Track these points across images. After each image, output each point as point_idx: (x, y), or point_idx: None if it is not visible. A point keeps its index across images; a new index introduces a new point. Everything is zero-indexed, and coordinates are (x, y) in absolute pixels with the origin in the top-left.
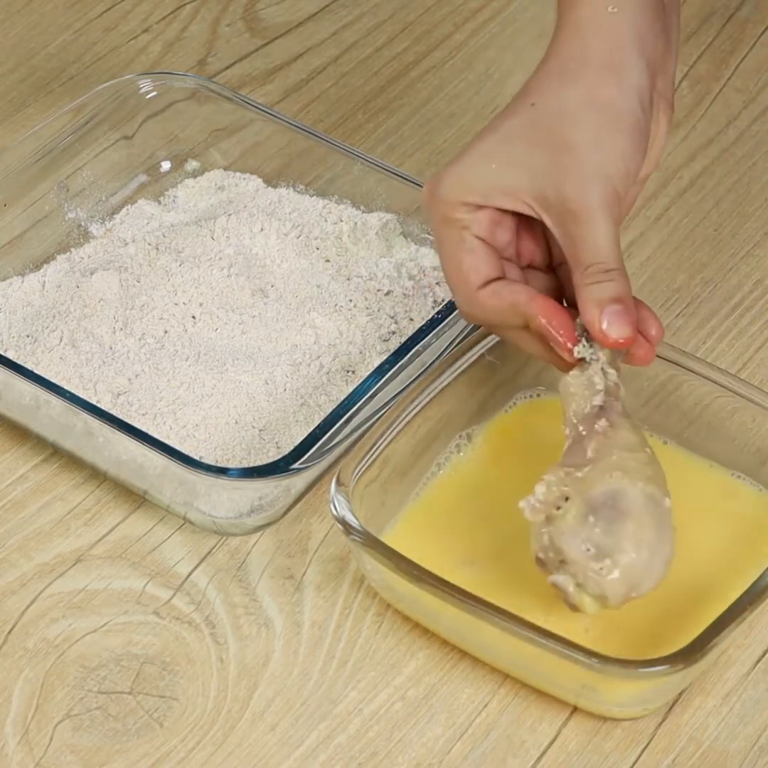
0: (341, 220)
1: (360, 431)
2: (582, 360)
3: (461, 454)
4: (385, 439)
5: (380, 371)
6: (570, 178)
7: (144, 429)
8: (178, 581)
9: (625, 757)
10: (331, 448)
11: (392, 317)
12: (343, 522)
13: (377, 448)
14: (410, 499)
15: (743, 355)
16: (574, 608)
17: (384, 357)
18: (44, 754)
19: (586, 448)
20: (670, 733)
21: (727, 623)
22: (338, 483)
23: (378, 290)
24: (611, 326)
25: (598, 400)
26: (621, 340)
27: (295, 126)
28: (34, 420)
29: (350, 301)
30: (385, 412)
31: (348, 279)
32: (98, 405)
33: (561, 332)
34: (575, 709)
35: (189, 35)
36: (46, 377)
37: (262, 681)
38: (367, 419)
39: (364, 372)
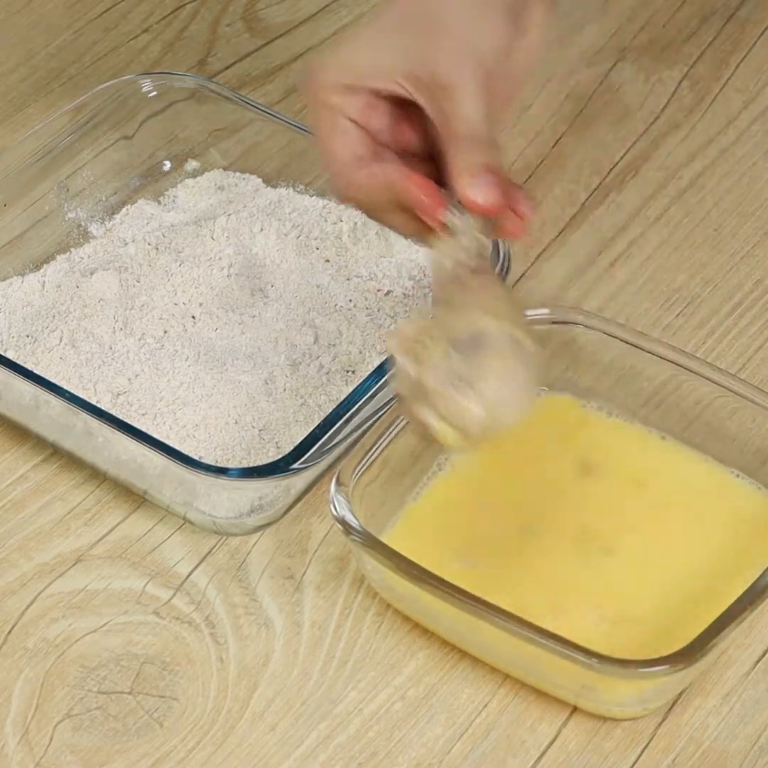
0: (341, 220)
1: (360, 431)
2: (450, 229)
3: (461, 454)
4: (385, 439)
5: (380, 371)
6: (440, 54)
7: (144, 429)
8: (178, 581)
9: (625, 757)
10: (331, 448)
11: (392, 317)
12: (343, 522)
13: (377, 448)
14: (410, 499)
15: (743, 355)
16: (435, 442)
17: (384, 357)
18: (44, 754)
19: (454, 300)
20: (670, 733)
21: (727, 623)
22: (338, 483)
23: (378, 290)
24: (479, 191)
25: (469, 261)
26: (488, 206)
27: (295, 126)
28: (34, 420)
29: (350, 301)
30: (385, 412)
31: (348, 279)
32: (98, 405)
33: (429, 199)
34: (575, 709)
35: (189, 35)
36: (46, 377)
37: (262, 681)
38: (367, 419)
39: (364, 372)
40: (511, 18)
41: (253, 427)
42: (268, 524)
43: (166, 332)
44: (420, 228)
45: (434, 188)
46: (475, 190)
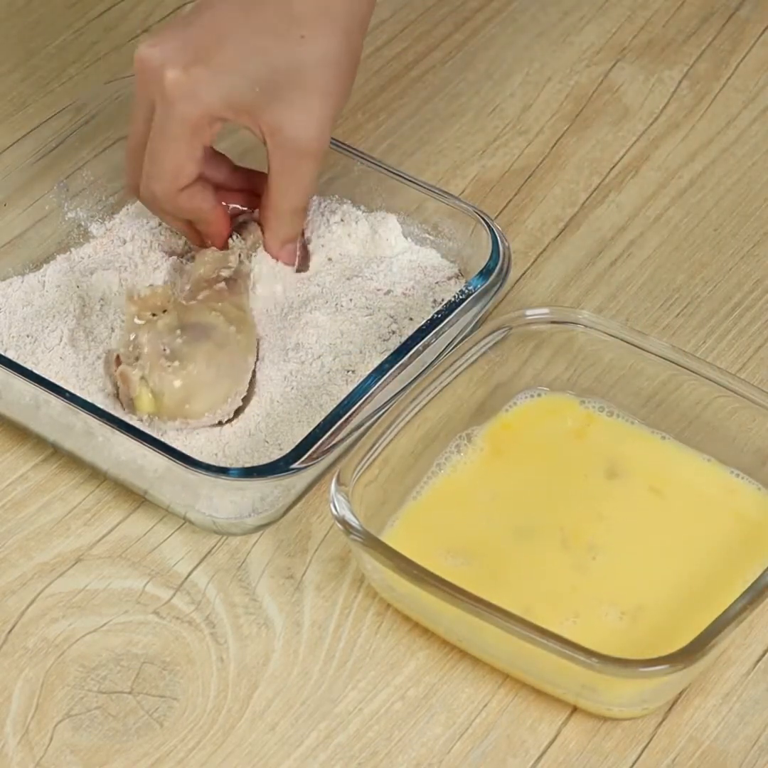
0: (341, 220)
1: (360, 431)
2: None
3: (461, 454)
4: (385, 439)
5: (380, 371)
6: (300, 115)
7: (144, 429)
8: (178, 581)
9: (625, 757)
10: (331, 448)
11: (392, 317)
12: (343, 522)
13: (377, 448)
14: (410, 499)
15: (743, 355)
16: (130, 405)
17: (384, 357)
18: (44, 753)
19: (198, 296)
20: (670, 733)
21: (727, 623)
22: (338, 483)
23: (378, 290)
24: (286, 257)
25: (226, 273)
26: (291, 264)
27: None
28: (34, 420)
29: (350, 300)
30: (385, 412)
31: (348, 279)
32: (98, 405)
33: (222, 234)
34: (575, 709)
35: None
36: (46, 377)
37: (262, 681)
38: (367, 419)
39: (364, 372)
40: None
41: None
42: (268, 524)
43: None
44: (200, 241)
45: (228, 224)
46: (284, 256)
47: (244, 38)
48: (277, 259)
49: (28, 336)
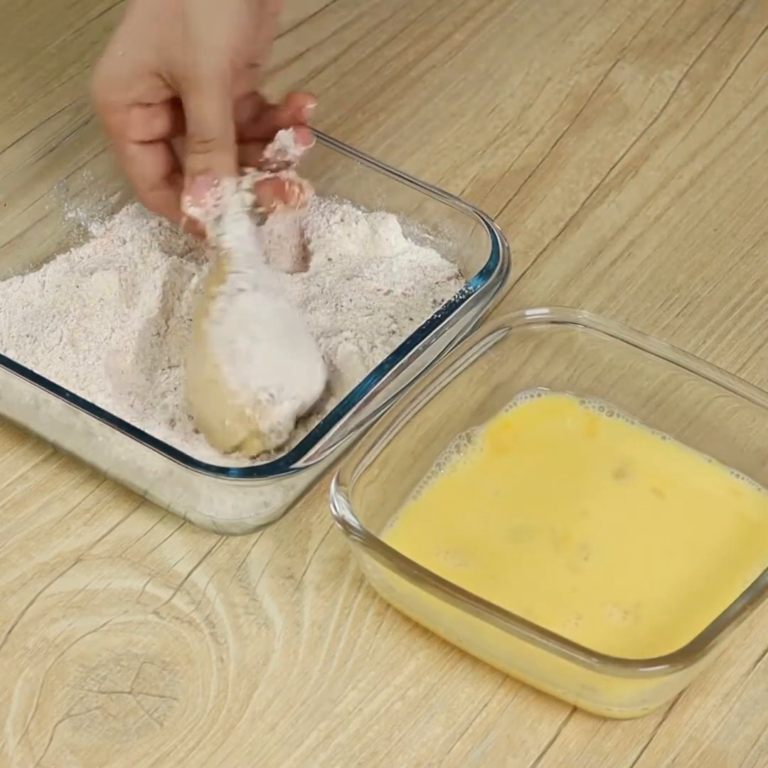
0: (341, 220)
1: (360, 431)
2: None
3: (461, 454)
4: (385, 439)
5: (380, 371)
6: (186, 49)
7: (144, 429)
8: (178, 581)
9: (625, 757)
10: (331, 448)
11: (392, 317)
12: (343, 522)
13: (377, 448)
14: (410, 499)
15: (743, 355)
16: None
17: (384, 357)
18: (44, 753)
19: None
20: (670, 733)
21: (726, 623)
22: (338, 483)
23: (378, 290)
24: (193, 196)
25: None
26: (197, 207)
27: None
28: (34, 420)
29: (350, 301)
30: (385, 412)
31: (348, 279)
32: (98, 405)
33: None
34: (575, 709)
35: None
36: (46, 377)
37: (262, 681)
38: (367, 419)
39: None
40: (251, 8)
41: None
42: (268, 524)
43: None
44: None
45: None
46: (191, 196)
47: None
48: (187, 194)
49: (28, 336)
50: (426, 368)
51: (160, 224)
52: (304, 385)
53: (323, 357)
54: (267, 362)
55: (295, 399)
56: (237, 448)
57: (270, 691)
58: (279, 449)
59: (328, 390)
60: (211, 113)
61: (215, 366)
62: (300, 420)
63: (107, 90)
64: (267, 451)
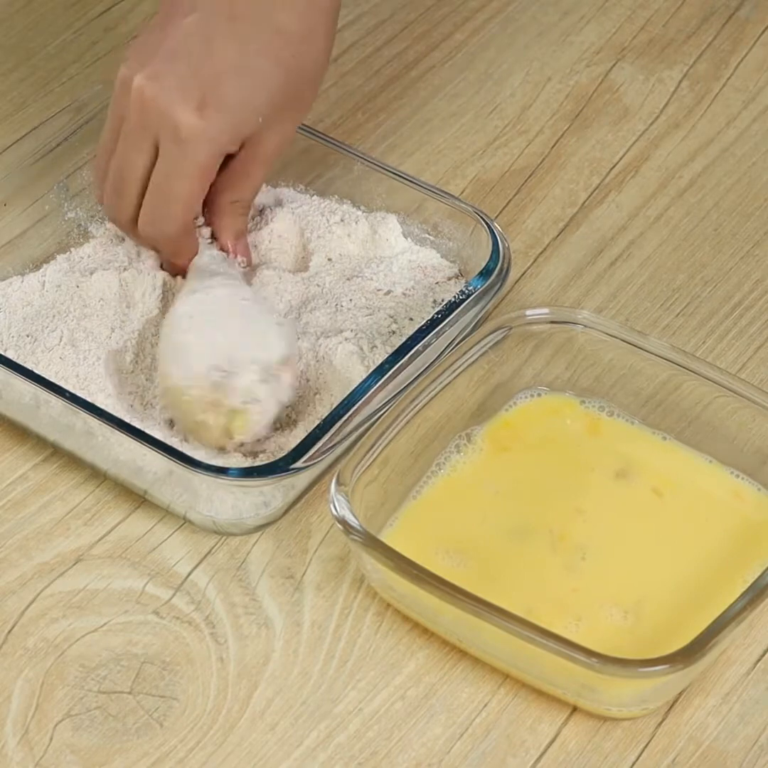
0: (341, 220)
1: (360, 431)
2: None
3: (461, 454)
4: (385, 439)
5: (380, 371)
6: (282, 133)
7: (144, 429)
8: (178, 581)
9: (625, 757)
10: (331, 448)
11: (392, 317)
12: (343, 522)
13: (377, 448)
14: (410, 499)
15: (743, 355)
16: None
17: (384, 357)
18: (44, 753)
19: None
20: (670, 733)
21: (726, 623)
22: (338, 483)
23: (378, 290)
24: (242, 252)
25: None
26: (246, 259)
27: None
28: (34, 420)
29: (350, 301)
30: (385, 412)
31: (348, 279)
32: (98, 405)
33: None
34: (575, 709)
35: None
36: (46, 377)
37: (262, 681)
38: (367, 419)
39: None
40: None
41: None
42: (268, 524)
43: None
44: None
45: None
46: (240, 249)
47: (245, 69)
48: (234, 255)
49: (28, 336)
50: (426, 368)
51: None
52: (259, 349)
53: (287, 320)
54: (207, 345)
55: (255, 363)
56: (228, 437)
57: (270, 691)
58: (279, 444)
59: (328, 390)
60: (261, 183)
61: (165, 373)
62: (299, 421)
63: (230, 140)
64: (260, 440)
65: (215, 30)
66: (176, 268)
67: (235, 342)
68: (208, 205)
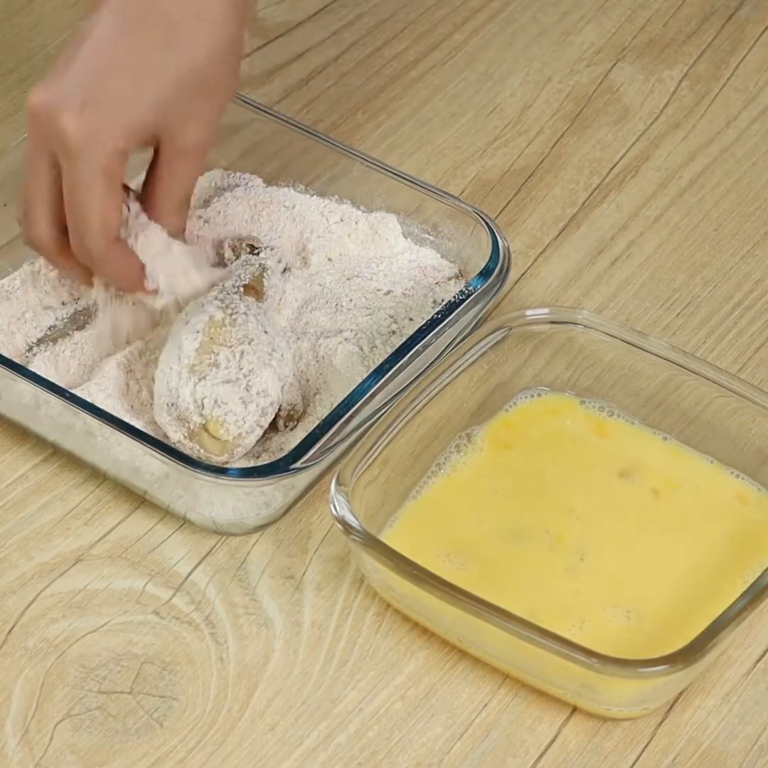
0: (341, 220)
1: (360, 431)
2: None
3: (461, 454)
4: (385, 439)
5: (380, 371)
6: (189, 117)
7: (144, 429)
8: (178, 581)
9: (625, 757)
10: (331, 448)
11: (392, 317)
12: (343, 522)
13: (377, 448)
14: (410, 499)
15: (743, 355)
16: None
17: (384, 357)
18: (44, 753)
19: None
20: (670, 733)
21: (727, 623)
22: (338, 483)
23: (378, 290)
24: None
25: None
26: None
27: (295, 126)
28: (34, 420)
29: (350, 301)
30: (385, 412)
31: (348, 279)
32: (98, 405)
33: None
34: (575, 709)
35: None
36: (47, 377)
37: (262, 681)
38: (367, 419)
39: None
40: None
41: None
42: (268, 524)
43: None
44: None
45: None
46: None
47: (130, 63)
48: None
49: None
50: (426, 368)
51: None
52: (175, 360)
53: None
54: (161, 383)
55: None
56: (222, 443)
57: (270, 691)
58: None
59: (328, 390)
60: (192, 178)
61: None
62: (300, 421)
63: (125, 136)
64: (262, 439)
65: (108, 30)
66: (127, 289)
67: (164, 369)
68: (146, 207)
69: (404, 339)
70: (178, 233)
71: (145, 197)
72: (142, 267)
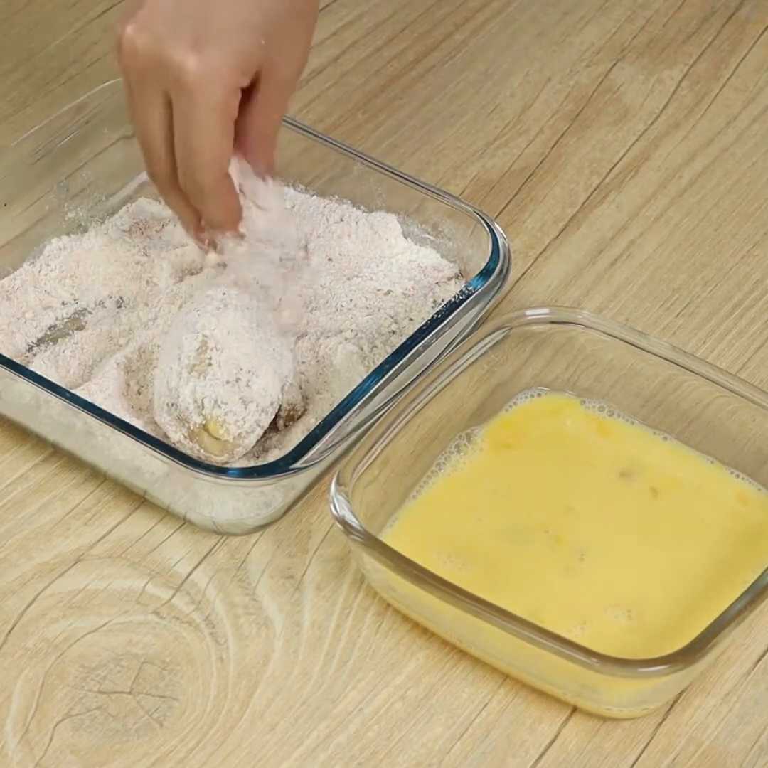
0: (341, 220)
1: (360, 431)
2: None
3: (461, 454)
4: (385, 439)
5: (380, 371)
6: (293, 49)
7: (144, 429)
8: (178, 581)
9: (625, 757)
10: (331, 448)
11: (392, 317)
12: (343, 522)
13: (377, 448)
14: (410, 499)
15: (743, 355)
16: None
17: (384, 357)
18: (44, 754)
19: None
20: (670, 733)
21: (727, 623)
22: (338, 483)
23: (378, 290)
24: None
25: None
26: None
27: (295, 126)
28: (34, 420)
29: (350, 301)
30: (385, 412)
31: (348, 279)
32: (98, 405)
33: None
34: (575, 709)
35: None
36: (47, 377)
37: (262, 681)
38: (367, 419)
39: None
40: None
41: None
42: (268, 524)
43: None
44: (197, 226)
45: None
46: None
47: None
48: (266, 179)
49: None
50: (426, 368)
51: (161, 226)
52: (175, 360)
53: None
54: (160, 382)
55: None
56: (222, 443)
57: (270, 691)
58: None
59: (328, 390)
60: (285, 107)
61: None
62: (300, 421)
63: (240, 72)
64: (262, 438)
65: None
66: (212, 233)
67: (163, 369)
68: (237, 140)
69: (404, 339)
70: (269, 169)
71: (239, 131)
72: (241, 207)
